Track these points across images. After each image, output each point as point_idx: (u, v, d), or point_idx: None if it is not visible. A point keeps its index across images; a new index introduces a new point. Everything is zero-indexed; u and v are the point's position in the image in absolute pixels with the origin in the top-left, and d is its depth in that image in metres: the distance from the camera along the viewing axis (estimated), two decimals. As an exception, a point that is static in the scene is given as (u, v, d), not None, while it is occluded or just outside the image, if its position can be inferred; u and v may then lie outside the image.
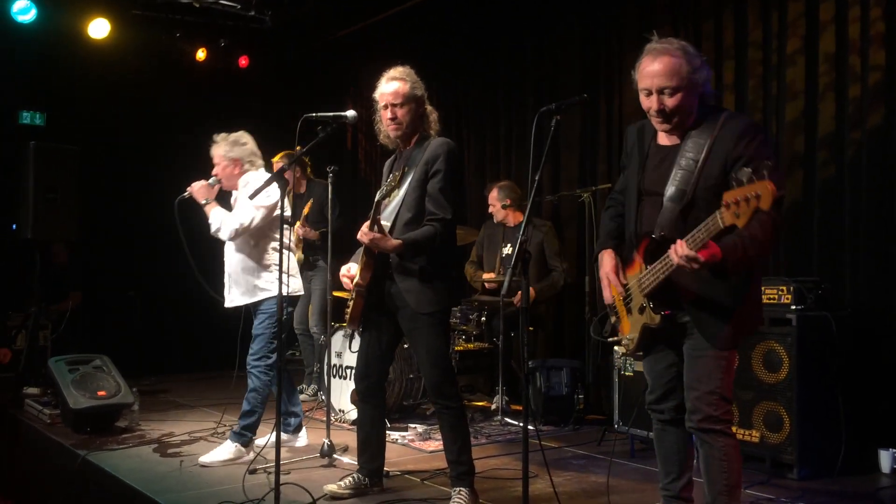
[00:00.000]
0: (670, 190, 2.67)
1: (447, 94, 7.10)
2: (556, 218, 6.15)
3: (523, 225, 2.87)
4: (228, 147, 4.36)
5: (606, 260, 2.91)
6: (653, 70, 2.61)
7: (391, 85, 3.49)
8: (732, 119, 2.66)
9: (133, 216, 7.84)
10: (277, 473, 3.24)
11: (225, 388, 6.68)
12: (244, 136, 4.41)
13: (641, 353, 2.91)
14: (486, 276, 5.77)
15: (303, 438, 4.55)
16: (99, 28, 7.19)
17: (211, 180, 4.35)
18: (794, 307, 3.97)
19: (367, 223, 3.32)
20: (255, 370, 4.25)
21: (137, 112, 7.64)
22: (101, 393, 4.97)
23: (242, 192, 4.31)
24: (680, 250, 2.48)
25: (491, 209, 5.80)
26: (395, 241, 3.33)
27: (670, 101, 2.62)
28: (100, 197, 7.33)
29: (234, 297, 4.37)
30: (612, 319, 2.96)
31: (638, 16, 5.72)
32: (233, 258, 4.35)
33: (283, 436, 4.51)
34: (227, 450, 4.23)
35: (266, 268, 4.29)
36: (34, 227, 6.16)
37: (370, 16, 7.38)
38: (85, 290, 7.24)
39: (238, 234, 4.22)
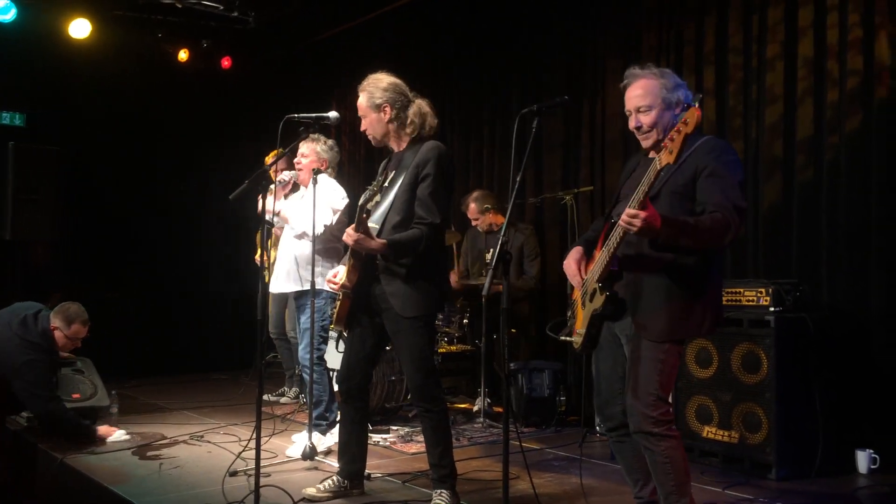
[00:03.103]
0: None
1: (432, 96, 7.03)
2: (539, 220, 6.17)
3: (504, 226, 2.91)
4: (326, 148, 4.73)
5: (571, 253, 3.06)
6: (631, 93, 2.87)
7: (359, 98, 3.57)
8: (711, 140, 2.82)
9: (114, 217, 7.77)
10: (257, 476, 3.23)
11: (205, 390, 6.68)
12: (337, 145, 4.85)
13: (590, 349, 2.97)
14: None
15: (333, 436, 4.48)
16: (80, 28, 7.12)
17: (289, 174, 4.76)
18: (772, 309, 4.01)
19: (353, 225, 3.30)
20: (305, 361, 4.48)
21: (119, 113, 7.57)
22: (76, 395, 4.94)
23: (311, 189, 4.43)
24: (625, 211, 2.57)
25: (474, 222, 5.84)
26: (379, 242, 3.31)
27: (645, 118, 2.83)
28: (80, 198, 7.25)
29: (279, 283, 4.72)
30: (568, 314, 3.08)
31: (622, 20, 5.74)
32: (290, 247, 4.68)
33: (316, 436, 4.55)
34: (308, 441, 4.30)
35: (317, 263, 4.53)
36: (13, 227, 6.11)
37: (355, 17, 7.36)
38: (65, 291, 7.16)
39: (305, 236, 4.58)
